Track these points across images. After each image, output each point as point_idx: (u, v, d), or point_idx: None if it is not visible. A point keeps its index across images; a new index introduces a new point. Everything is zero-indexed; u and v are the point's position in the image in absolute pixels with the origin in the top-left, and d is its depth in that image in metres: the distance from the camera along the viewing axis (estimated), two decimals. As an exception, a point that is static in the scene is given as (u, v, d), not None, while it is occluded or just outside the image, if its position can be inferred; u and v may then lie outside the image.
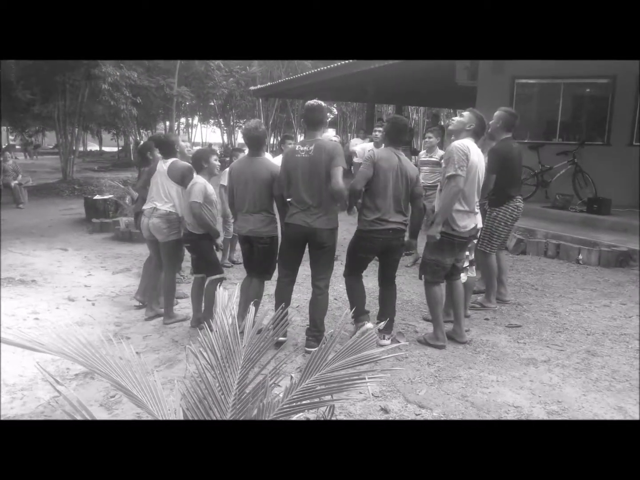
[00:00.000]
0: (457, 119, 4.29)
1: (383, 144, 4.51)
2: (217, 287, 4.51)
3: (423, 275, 4.35)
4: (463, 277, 4.55)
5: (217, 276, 4.58)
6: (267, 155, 6.32)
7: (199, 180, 4.50)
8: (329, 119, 35.57)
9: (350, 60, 11.46)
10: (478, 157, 4.11)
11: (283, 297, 4.23)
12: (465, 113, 4.24)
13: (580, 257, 7.06)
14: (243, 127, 4.68)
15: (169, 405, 1.74)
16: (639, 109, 9.96)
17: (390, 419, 3.20)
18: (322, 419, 2.10)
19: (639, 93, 9.91)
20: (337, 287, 5.78)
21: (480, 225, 4.61)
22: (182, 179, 4.70)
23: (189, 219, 4.54)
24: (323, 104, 4.24)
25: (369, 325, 4.19)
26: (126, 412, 3.25)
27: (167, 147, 4.86)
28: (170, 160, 4.78)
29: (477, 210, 4.25)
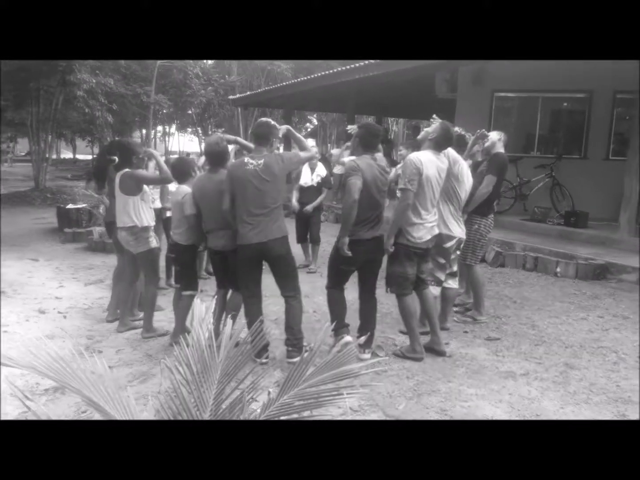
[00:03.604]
0: (426, 129, 4.38)
1: (354, 152, 4.48)
2: (191, 302, 4.46)
3: (388, 289, 4.35)
4: (434, 290, 4.54)
5: (191, 292, 4.50)
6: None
7: (187, 190, 4.42)
8: (309, 130, 35.73)
9: (331, 71, 11.53)
10: (434, 170, 4.12)
11: (254, 314, 4.11)
12: (435, 124, 4.28)
13: (558, 269, 7.12)
14: (204, 141, 4.66)
15: (142, 422, 1.68)
16: (615, 124, 10.18)
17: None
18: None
19: (614, 108, 10.13)
20: (317, 299, 5.74)
21: (463, 236, 4.63)
22: (135, 189, 4.60)
23: (178, 230, 4.48)
24: (272, 122, 4.24)
25: (347, 338, 4.14)
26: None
27: (125, 154, 4.70)
28: (121, 173, 4.65)
29: (434, 220, 4.26)
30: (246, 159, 4.08)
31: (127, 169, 4.66)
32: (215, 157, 4.29)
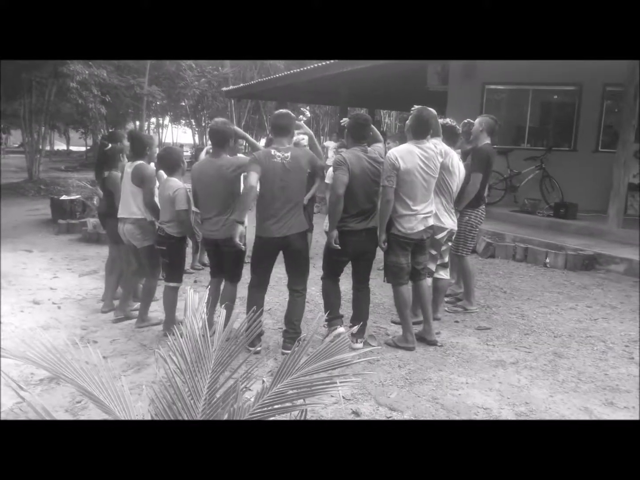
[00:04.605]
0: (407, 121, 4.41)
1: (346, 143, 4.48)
2: (176, 294, 4.48)
3: (385, 278, 4.40)
4: (428, 280, 4.59)
5: (176, 284, 4.51)
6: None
7: (178, 184, 4.34)
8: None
9: (323, 63, 11.47)
10: (416, 161, 4.10)
11: (256, 303, 4.11)
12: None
13: (548, 260, 7.19)
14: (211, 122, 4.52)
15: (136, 410, 1.70)
16: (604, 116, 10.23)
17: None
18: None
19: (604, 101, 10.18)
20: (309, 290, 5.75)
21: (455, 228, 4.68)
22: (143, 182, 4.57)
23: (170, 223, 4.37)
24: (291, 113, 4.21)
25: (340, 329, 4.18)
26: (92, 418, 3.17)
27: (140, 146, 4.68)
28: (135, 163, 4.63)
29: (428, 211, 4.27)
30: (272, 151, 4.00)
31: (141, 161, 4.63)
32: (220, 136, 4.16)
